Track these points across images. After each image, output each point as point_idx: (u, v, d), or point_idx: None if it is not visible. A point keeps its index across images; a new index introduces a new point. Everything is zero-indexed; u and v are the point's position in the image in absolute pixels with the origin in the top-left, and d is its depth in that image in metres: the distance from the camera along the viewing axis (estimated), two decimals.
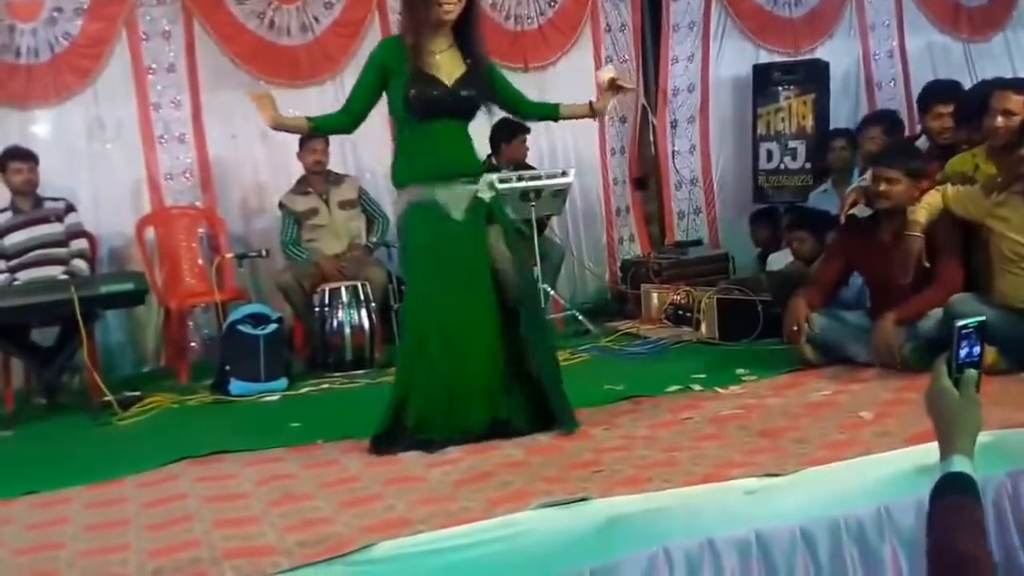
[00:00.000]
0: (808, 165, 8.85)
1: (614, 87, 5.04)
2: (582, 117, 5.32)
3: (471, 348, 4.78)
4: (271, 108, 4.79)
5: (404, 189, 4.88)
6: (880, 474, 3.74)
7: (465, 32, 4.85)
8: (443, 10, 4.68)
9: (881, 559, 3.50)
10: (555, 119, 5.38)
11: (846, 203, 5.95)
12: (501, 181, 7.35)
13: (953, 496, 2.05)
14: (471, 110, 4.90)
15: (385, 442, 4.76)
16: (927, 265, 5.49)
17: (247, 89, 5.02)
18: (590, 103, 5.20)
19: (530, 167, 8.36)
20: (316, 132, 4.93)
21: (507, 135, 8.05)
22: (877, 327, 5.51)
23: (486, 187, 4.91)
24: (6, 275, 6.93)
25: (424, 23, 4.74)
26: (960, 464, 2.08)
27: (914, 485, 3.52)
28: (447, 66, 4.79)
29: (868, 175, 6.15)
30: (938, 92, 6.92)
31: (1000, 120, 5.65)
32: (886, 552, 3.51)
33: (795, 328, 5.79)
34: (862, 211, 5.93)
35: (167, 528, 3.86)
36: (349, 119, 5.00)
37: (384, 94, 4.90)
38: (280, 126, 4.96)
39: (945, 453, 2.12)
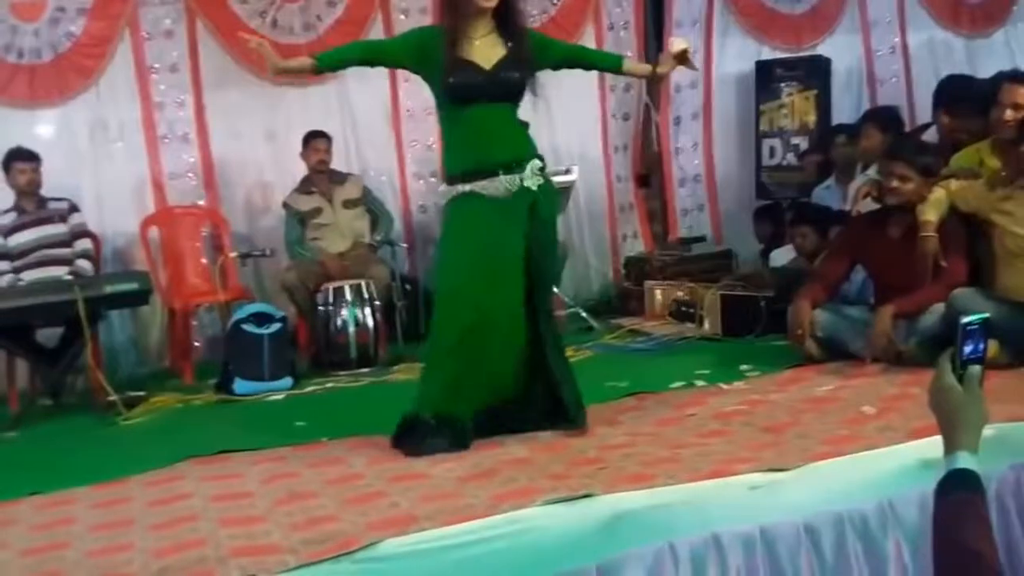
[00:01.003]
0: (809, 157, 8.80)
1: (681, 58, 4.96)
2: (641, 77, 5.26)
3: (498, 339, 4.71)
4: (271, 55, 4.70)
5: (451, 185, 4.80)
6: (883, 469, 3.74)
7: (505, 15, 4.79)
8: None
9: (885, 553, 3.50)
10: (618, 71, 5.33)
11: (859, 195, 5.95)
12: None
13: (958, 493, 2.05)
14: (514, 93, 4.81)
15: (411, 436, 4.72)
16: (943, 264, 5.49)
17: (247, 38, 4.87)
18: (654, 65, 5.14)
19: None
20: (322, 69, 4.80)
21: None
22: (877, 317, 5.51)
23: (532, 174, 4.80)
24: (10, 275, 6.94)
25: (464, 11, 4.70)
26: (965, 460, 2.09)
27: (917, 479, 3.53)
28: (486, 51, 4.73)
29: (871, 170, 6.15)
30: (952, 89, 6.93)
31: (1009, 113, 5.66)
32: (890, 546, 3.51)
33: (800, 331, 5.77)
34: (866, 205, 5.93)
35: (173, 527, 3.86)
36: (358, 54, 5.03)
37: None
38: (284, 70, 4.85)
39: (950, 449, 2.12)
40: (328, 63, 4.89)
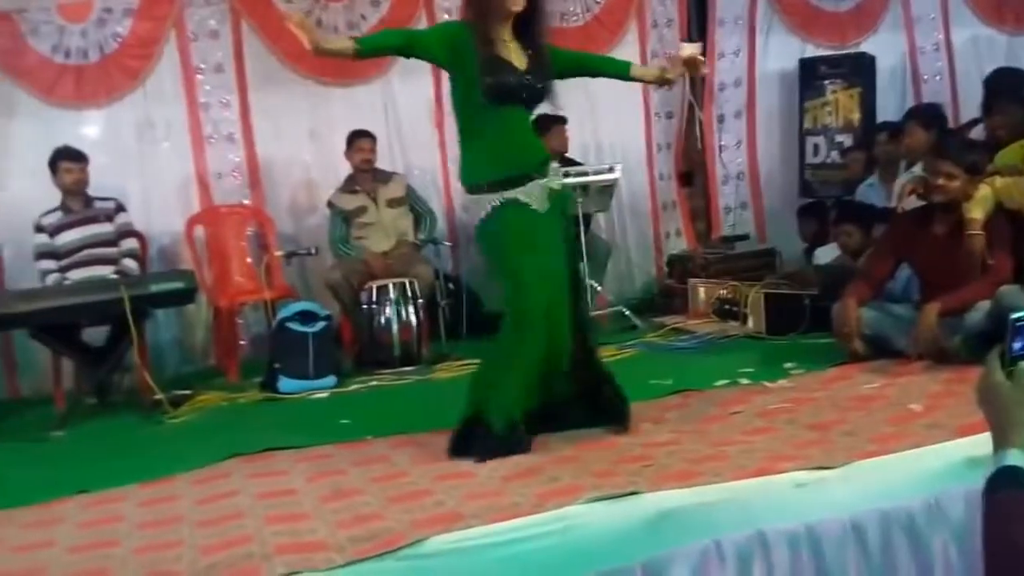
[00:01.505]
0: (852, 155, 8.73)
1: (690, 63, 4.96)
2: (650, 82, 5.21)
3: (560, 341, 4.68)
4: (312, 33, 4.55)
5: (483, 192, 4.68)
6: (930, 466, 3.72)
7: (529, 24, 4.75)
8: (512, 0, 4.62)
9: (931, 551, 3.49)
10: (625, 77, 5.19)
11: (904, 192, 5.92)
12: None
13: (1008, 490, 2.03)
14: (540, 99, 4.81)
15: (467, 444, 4.63)
16: (989, 261, 5.45)
17: (287, 14, 4.69)
18: (662, 69, 5.11)
19: (576, 162, 8.36)
20: (362, 54, 4.68)
21: (543, 128, 8.03)
22: (922, 315, 5.47)
23: (555, 176, 4.81)
24: (57, 275, 7.00)
25: (492, 13, 4.65)
26: (1014, 458, 2.06)
27: (964, 477, 3.52)
28: (516, 54, 4.70)
29: (917, 167, 6.11)
30: (996, 84, 6.89)
31: None
32: (936, 544, 3.49)
33: (847, 330, 5.74)
34: (911, 203, 5.90)
35: (219, 524, 3.88)
36: (396, 42, 4.87)
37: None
38: (323, 51, 4.63)
39: (999, 446, 2.10)
40: (369, 48, 4.76)
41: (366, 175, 7.79)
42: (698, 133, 9.42)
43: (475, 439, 4.60)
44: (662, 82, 5.17)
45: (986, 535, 2.02)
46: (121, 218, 7.30)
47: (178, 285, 6.44)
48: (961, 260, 5.46)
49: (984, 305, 5.33)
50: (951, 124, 8.09)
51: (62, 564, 3.68)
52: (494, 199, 4.64)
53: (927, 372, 5.31)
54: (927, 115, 7.37)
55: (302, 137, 8.39)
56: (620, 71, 5.16)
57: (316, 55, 4.66)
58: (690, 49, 4.98)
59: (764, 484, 3.66)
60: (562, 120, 8.22)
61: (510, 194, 4.63)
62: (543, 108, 5.00)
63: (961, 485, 3.51)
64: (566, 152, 8.39)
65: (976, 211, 5.48)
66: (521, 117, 4.76)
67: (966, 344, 5.27)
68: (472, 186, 4.76)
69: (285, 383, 6.68)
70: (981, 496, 2.06)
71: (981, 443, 2.25)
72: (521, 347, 4.59)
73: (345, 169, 7.89)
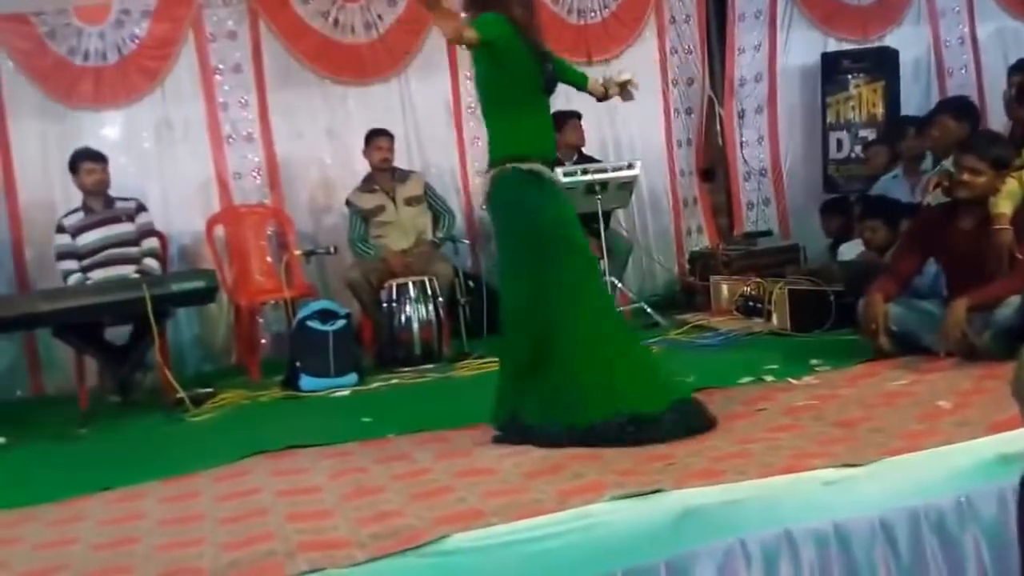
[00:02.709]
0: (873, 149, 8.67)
1: (622, 86, 5.12)
2: (593, 95, 5.27)
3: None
4: (454, 19, 4.63)
5: (517, 162, 4.69)
6: (960, 464, 3.67)
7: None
8: None
9: (962, 550, 3.45)
10: (582, 89, 5.24)
11: (930, 185, 5.87)
12: (566, 175, 7.36)
13: None
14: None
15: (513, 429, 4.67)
16: (1018, 256, 5.40)
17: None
18: (604, 86, 5.16)
19: (594, 159, 8.33)
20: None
21: (558, 123, 8.00)
22: (950, 311, 5.40)
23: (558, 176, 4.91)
24: (79, 274, 7.00)
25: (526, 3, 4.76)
26: None
27: (995, 474, 3.47)
28: None
29: (948, 161, 6.06)
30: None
31: None
32: (967, 542, 3.45)
33: (874, 326, 5.69)
34: (936, 198, 5.86)
35: (242, 522, 3.87)
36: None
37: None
38: (460, 38, 4.68)
39: None
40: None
41: (384, 174, 7.79)
42: (718, 129, 9.41)
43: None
44: (603, 98, 5.25)
45: (1021, 533, 1.99)
46: (142, 218, 7.31)
47: (199, 284, 6.45)
48: (988, 255, 5.41)
49: (1014, 300, 5.27)
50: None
51: (85, 561, 3.67)
52: (539, 168, 4.69)
53: (956, 369, 5.25)
54: (957, 107, 7.31)
55: (320, 136, 8.42)
56: (579, 82, 5.21)
57: (455, 42, 4.91)
58: (627, 75, 5.18)
59: (790, 482, 3.62)
60: (577, 115, 8.21)
61: (541, 170, 4.70)
62: (555, 104, 5.04)
63: (993, 483, 3.46)
64: (583, 146, 8.39)
65: (1003, 205, 5.43)
66: (548, 105, 4.87)
67: (996, 340, 5.21)
68: (506, 157, 4.73)
69: (306, 381, 6.69)
70: (1014, 493, 2.02)
71: (1012, 440, 2.21)
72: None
73: (363, 168, 7.89)
